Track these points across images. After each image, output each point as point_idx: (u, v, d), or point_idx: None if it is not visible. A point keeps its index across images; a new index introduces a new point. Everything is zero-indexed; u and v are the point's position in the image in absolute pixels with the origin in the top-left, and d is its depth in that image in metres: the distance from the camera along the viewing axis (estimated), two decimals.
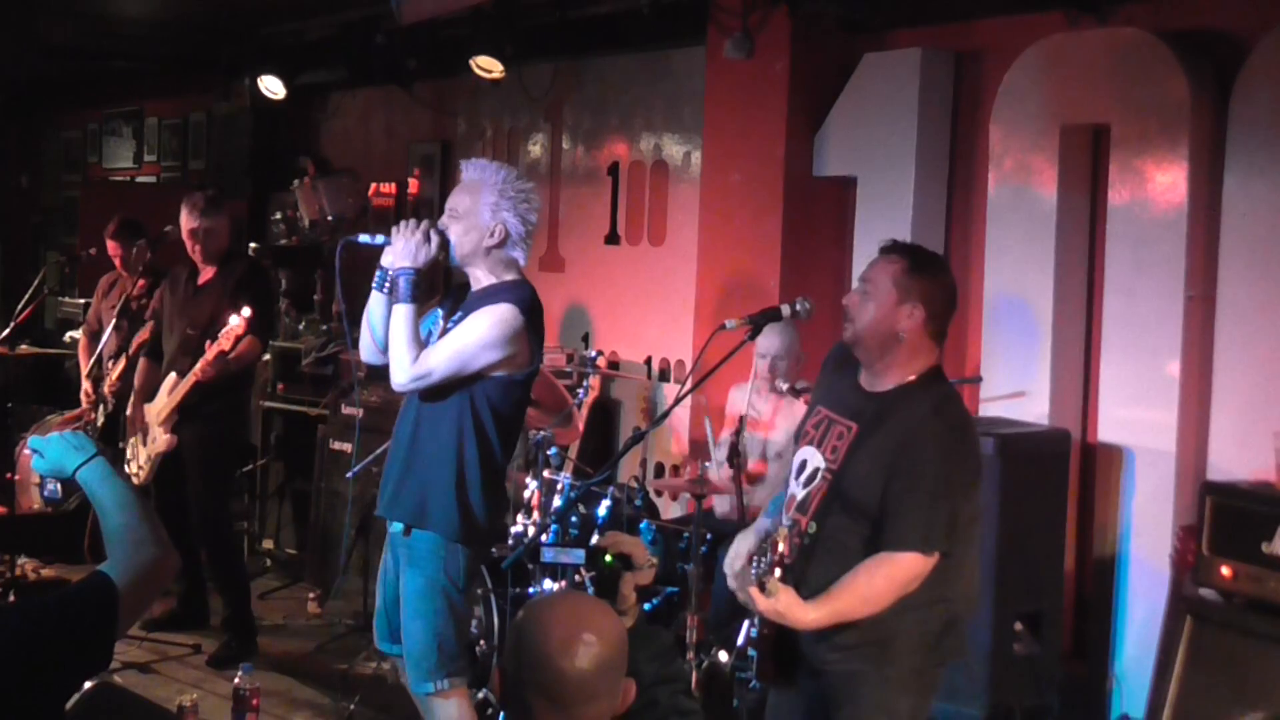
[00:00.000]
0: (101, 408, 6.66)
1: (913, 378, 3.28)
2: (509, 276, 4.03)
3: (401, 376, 3.90)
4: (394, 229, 3.96)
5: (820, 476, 3.30)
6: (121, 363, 6.48)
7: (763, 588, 3.13)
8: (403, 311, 3.90)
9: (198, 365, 5.67)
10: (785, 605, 3.14)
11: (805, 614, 3.16)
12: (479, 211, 3.96)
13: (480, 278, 4.03)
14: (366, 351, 4.14)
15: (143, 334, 6.37)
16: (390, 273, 3.94)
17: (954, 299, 3.35)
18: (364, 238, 4.10)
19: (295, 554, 7.35)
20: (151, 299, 6.37)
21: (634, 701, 2.28)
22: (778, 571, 3.15)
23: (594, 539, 5.59)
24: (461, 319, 3.96)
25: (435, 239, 3.93)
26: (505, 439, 4.07)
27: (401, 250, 3.91)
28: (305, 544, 7.24)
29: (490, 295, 3.97)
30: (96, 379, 6.68)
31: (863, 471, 3.23)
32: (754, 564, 3.26)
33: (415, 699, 4.24)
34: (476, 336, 3.88)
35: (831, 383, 3.48)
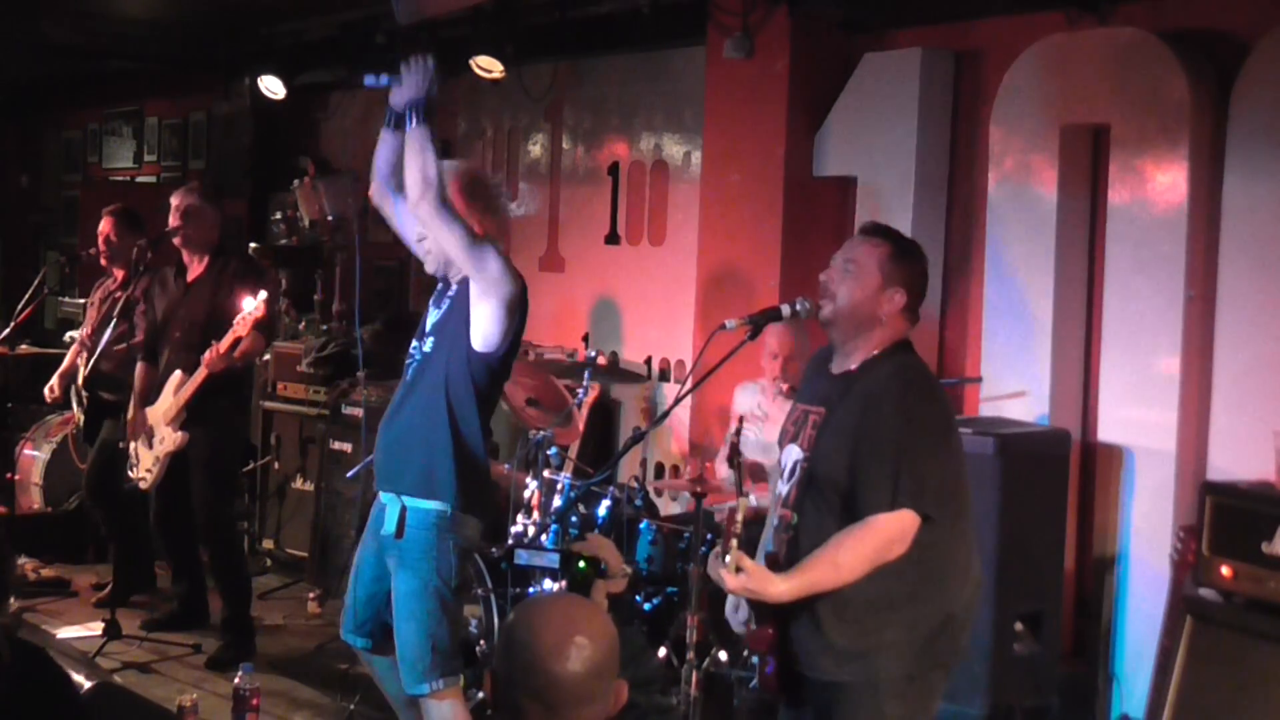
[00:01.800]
0: (78, 404, 6.67)
1: (876, 352, 3.30)
2: None
3: (419, 189, 3.92)
4: (403, 66, 4.03)
5: (799, 467, 3.30)
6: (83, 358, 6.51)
7: (725, 561, 3.12)
8: (415, 133, 3.95)
9: (207, 355, 5.64)
10: (755, 580, 3.13)
11: (775, 585, 3.13)
12: None
13: (458, 277, 4.14)
14: (375, 193, 4.26)
15: (87, 330, 6.40)
16: (402, 107, 4.00)
17: (927, 284, 3.40)
18: (369, 79, 4.16)
19: (296, 554, 7.35)
20: (127, 290, 6.35)
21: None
22: (734, 543, 3.13)
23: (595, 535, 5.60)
24: (459, 294, 4.05)
25: (432, 67, 4.02)
26: (490, 409, 4.18)
27: (411, 82, 3.99)
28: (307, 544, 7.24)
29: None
30: (71, 376, 6.69)
31: (830, 448, 3.23)
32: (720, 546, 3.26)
33: (387, 695, 4.31)
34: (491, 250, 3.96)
35: (809, 381, 3.51)
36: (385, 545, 4.07)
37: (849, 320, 3.30)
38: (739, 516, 3.16)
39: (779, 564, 3.23)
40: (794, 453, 3.34)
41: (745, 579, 3.13)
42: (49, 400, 6.85)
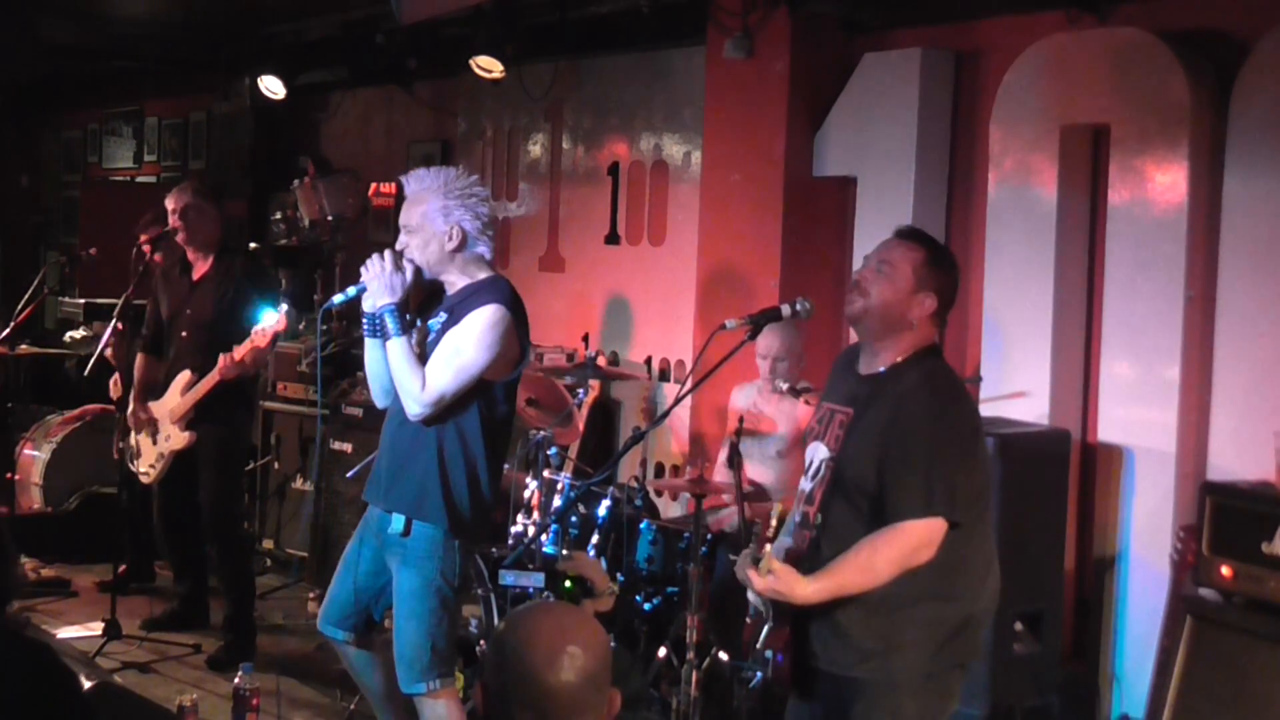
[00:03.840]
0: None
1: (903, 357, 3.31)
2: (482, 275, 4.07)
3: (415, 407, 3.93)
4: (362, 269, 3.98)
5: (825, 467, 3.31)
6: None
7: (757, 565, 3.15)
8: (397, 345, 3.93)
9: (222, 361, 5.63)
10: (783, 582, 3.15)
11: (803, 588, 3.15)
12: (431, 220, 3.99)
13: (454, 281, 4.07)
14: (378, 399, 4.18)
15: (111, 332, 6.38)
16: (374, 314, 3.97)
17: (957, 291, 3.41)
18: (338, 298, 4.14)
19: (296, 554, 7.34)
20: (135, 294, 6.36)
21: None
22: (768, 547, 3.16)
23: (594, 538, 5.59)
24: (447, 323, 3.98)
25: (409, 266, 3.97)
26: (503, 434, 4.12)
27: (378, 288, 3.95)
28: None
29: (471, 297, 3.99)
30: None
31: (858, 451, 3.24)
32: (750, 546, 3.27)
33: (364, 688, 4.35)
34: (471, 343, 3.90)
35: (835, 380, 3.51)
36: (389, 544, 4.06)
37: (879, 320, 3.31)
38: (774, 521, 3.17)
39: (800, 560, 3.24)
40: (820, 451, 3.35)
41: (773, 580, 3.15)
42: (114, 396, 6.80)
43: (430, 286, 4.11)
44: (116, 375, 6.70)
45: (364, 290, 3.99)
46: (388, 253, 3.97)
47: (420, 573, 3.98)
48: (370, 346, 4.06)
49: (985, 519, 3.32)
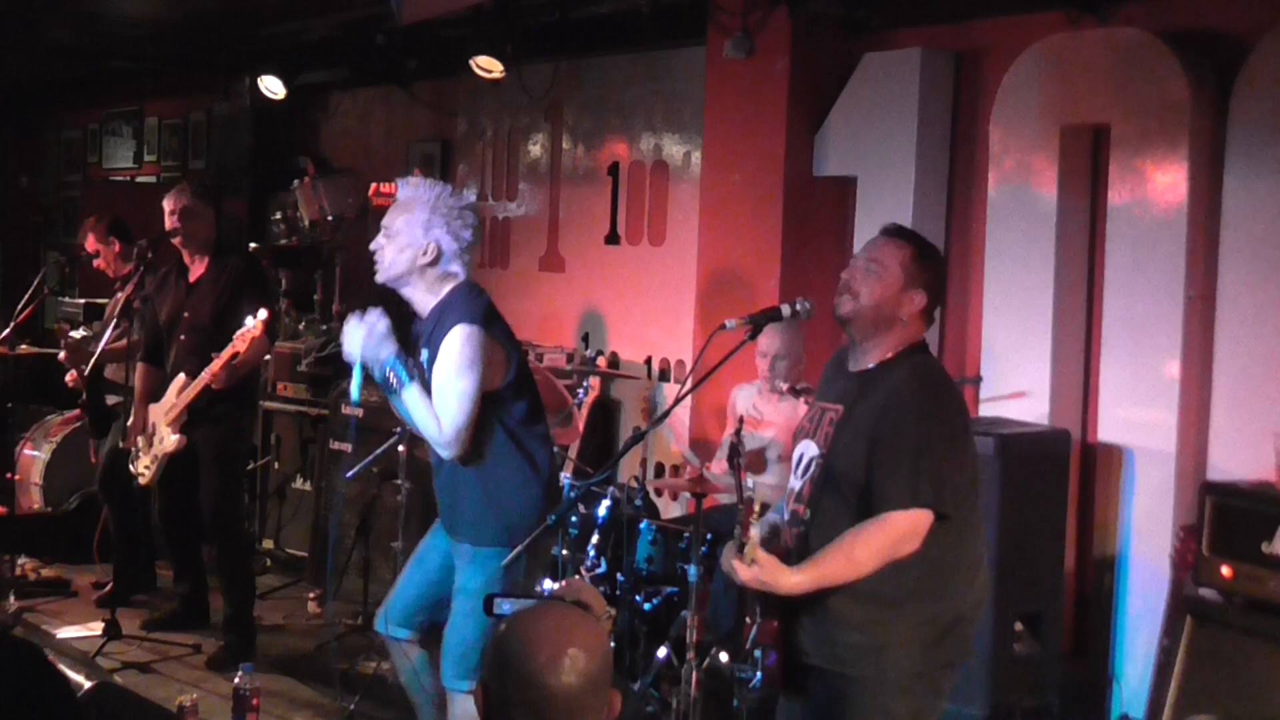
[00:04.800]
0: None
1: (892, 354, 3.32)
2: (445, 289, 4.04)
3: (445, 451, 3.96)
4: (344, 349, 3.95)
5: (815, 464, 3.32)
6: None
7: (741, 552, 3.16)
8: (413, 395, 3.93)
9: (208, 369, 5.64)
10: (767, 572, 3.16)
11: (788, 578, 3.16)
12: (412, 230, 3.99)
13: (417, 298, 4.06)
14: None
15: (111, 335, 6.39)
16: (383, 376, 3.93)
17: (946, 288, 3.44)
18: (354, 391, 4.02)
19: (296, 554, 7.34)
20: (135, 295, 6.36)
21: None
22: (753, 533, 3.16)
23: (594, 538, 5.59)
24: (430, 358, 3.98)
25: (376, 313, 3.92)
26: (530, 422, 4.09)
27: (372, 350, 3.90)
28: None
29: (440, 323, 3.98)
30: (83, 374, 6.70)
31: (847, 446, 3.25)
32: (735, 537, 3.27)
33: (411, 690, 4.26)
34: (454, 372, 3.89)
35: (827, 382, 3.52)
36: (457, 545, 4.08)
37: (869, 319, 3.32)
38: (755, 508, 3.18)
39: (789, 558, 3.24)
40: (810, 449, 3.36)
41: (758, 570, 3.16)
42: (70, 384, 6.83)
43: (400, 310, 4.08)
44: (73, 371, 6.71)
45: (362, 366, 3.95)
46: (352, 318, 3.95)
47: (484, 572, 3.97)
48: (395, 404, 4.05)
49: (974, 516, 3.32)
